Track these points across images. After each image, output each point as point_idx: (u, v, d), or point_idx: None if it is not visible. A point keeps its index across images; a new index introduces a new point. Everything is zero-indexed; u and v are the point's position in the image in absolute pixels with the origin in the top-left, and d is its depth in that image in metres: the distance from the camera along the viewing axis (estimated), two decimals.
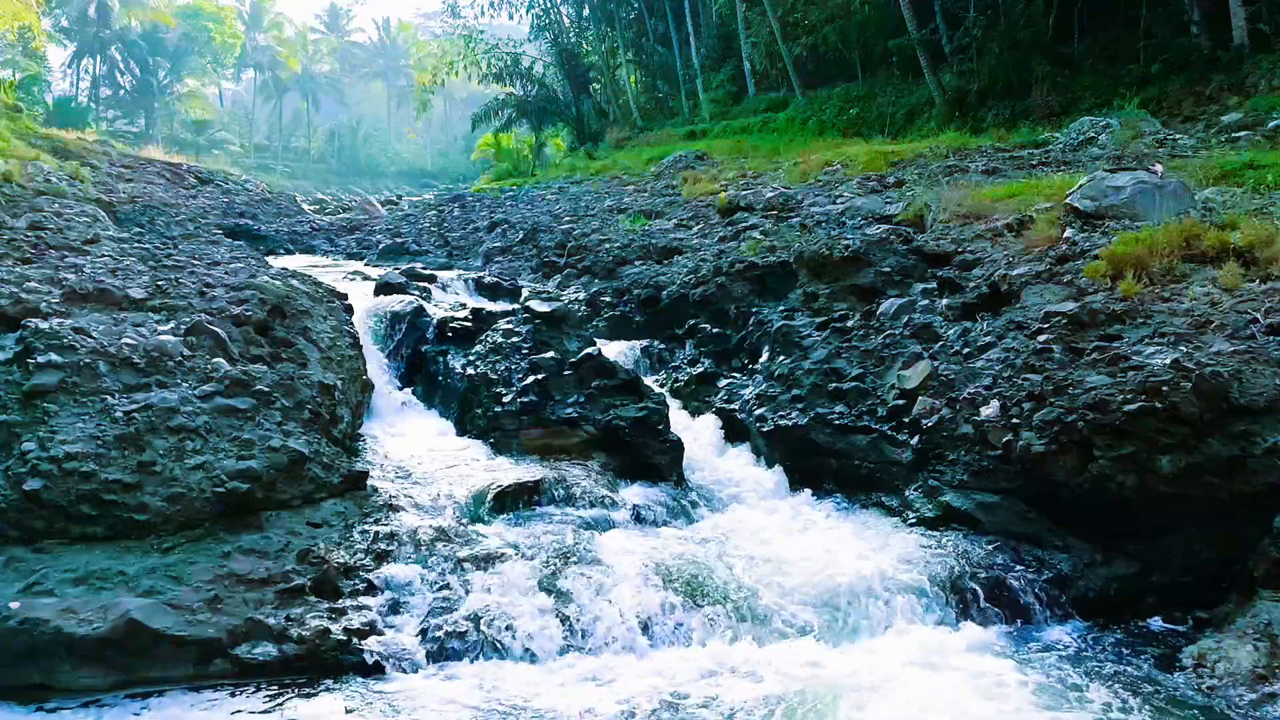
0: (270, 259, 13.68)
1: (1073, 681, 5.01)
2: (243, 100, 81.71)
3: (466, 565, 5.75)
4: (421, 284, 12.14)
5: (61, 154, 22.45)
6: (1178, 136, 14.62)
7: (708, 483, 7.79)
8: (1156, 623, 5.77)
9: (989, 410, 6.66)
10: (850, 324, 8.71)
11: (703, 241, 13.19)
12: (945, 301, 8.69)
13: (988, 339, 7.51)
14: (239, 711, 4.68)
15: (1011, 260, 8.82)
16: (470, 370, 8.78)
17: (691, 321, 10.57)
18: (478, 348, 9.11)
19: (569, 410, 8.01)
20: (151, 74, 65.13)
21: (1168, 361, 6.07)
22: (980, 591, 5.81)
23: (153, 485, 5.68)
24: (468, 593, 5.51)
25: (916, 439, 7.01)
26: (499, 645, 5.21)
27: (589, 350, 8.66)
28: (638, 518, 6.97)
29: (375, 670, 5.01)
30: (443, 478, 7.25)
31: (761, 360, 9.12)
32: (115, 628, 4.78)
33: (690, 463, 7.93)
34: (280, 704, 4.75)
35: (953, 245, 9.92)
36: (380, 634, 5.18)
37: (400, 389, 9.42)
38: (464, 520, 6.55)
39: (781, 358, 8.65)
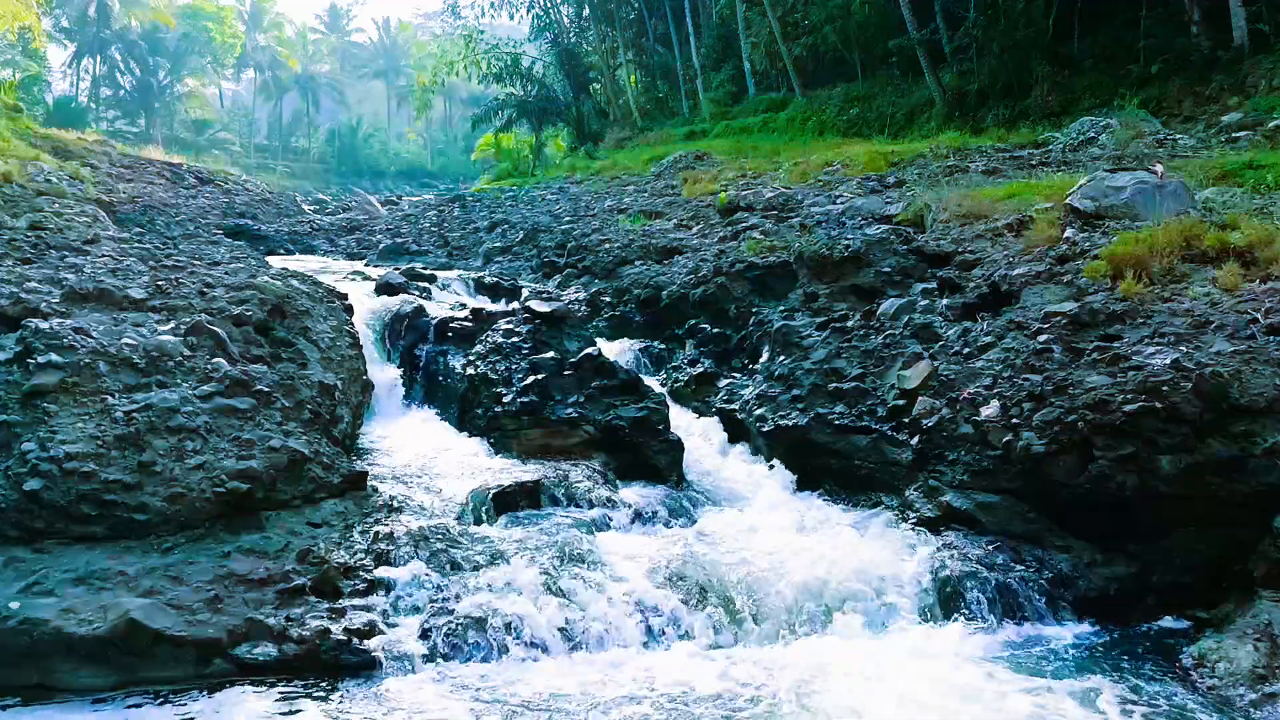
0: (270, 259, 13.67)
1: (1072, 682, 5.00)
2: (243, 100, 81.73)
3: (466, 565, 5.75)
4: (421, 284, 12.14)
5: (62, 154, 22.44)
6: (1178, 136, 14.63)
7: (708, 483, 7.79)
8: (1157, 623, 5.77)
9: (989, 410, 6.66)
10: (850, 324, 8.71)
11: (703, 241, 13.19)
12: (945, 301, 8.69)
13: (988, 339, 7.51)
14: (239, 712, 4.67)
15: (1011, 260, 8.82)
16: (470, 370, 8.78)
17: (691, 321, 10.58)
18: (478, 348, 9.11)
19: (569, 410, 8.01)
20: (151, 74, 65.18)
21: (1168, 361, 6.07)
22: (980, 591, 5.80)
23: (153, 485, 5.68)
24: (468, 593, 5.50)
25: (916, 439, 7.01)
26: (499, 645, 5.20)
27: (589, 350, 8.66)
28: (637, 518, 6.97)
29: (375, 670, 5.00)
30: (443, 478, 7.25)
31: (761, 360, 9.12)
32: (115, 628, 4.78)
33: (690, 463, 7.93)
34: (280, 704, 4.74)
35: (953, 245, 9.92)
36: (380, 634, 5.17)
37: (400, 389, 9.42)
38: (464, 520, 6.55)
39: (781, 358, 8.65)
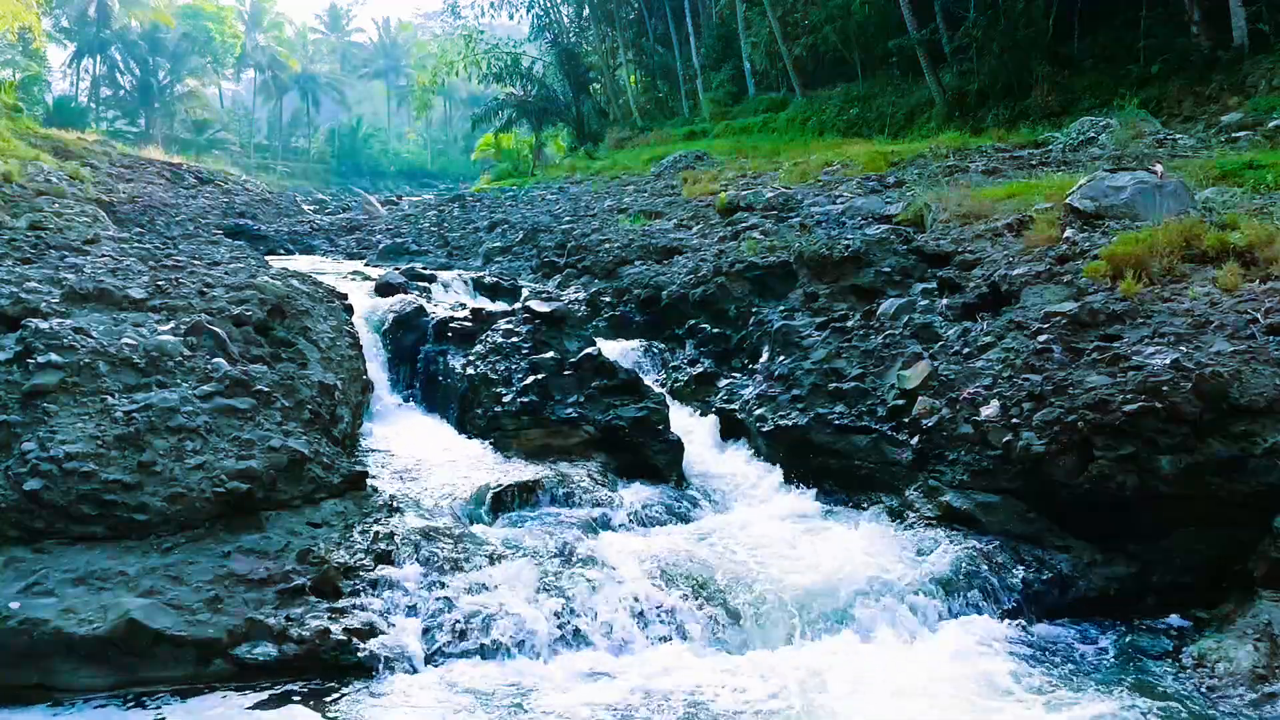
0: (270, 259, 13.67)
1: (1072, 682, 5.01)
2: (243, 100, 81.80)
3: (466, 565, 5.75)
4: (421, 284, 12.14)
5: (61, 154, 22.49)
6: (1178, 136, 14.64)
7: (707, 483, 7.79)
8: (1156, 623, 5.77)
9: (989, 410, 6.66)
10: (850, 324, 8.71)
11: (703, 241, 13.19)
12: (945, 301, 8.69)
13: (988, 339, 7.51)
14: (239, 712, 4.67)
15: (1011, 260, 8.82)
16: (470, 370, 8.78)
17: (691, 321, 10.57)
18: (478, 348, 9.11)
19: (569, 410, 8.01)
20: (151, 74, 65.22)
21: (1168, 361, 6.08)
22: (979, 592, 5.81)
23: (153, 485, 5.67)
24: (467, 593, 5.50)
25: (916, 439, 7.01)
26: (499, 645, 5.20)
27: (589, 350, 8.66)
28: (637, 518, 6.97)
29: (375, 670, 5.00)
30: (442, 478, 7.24)
31: (761, 360, 9.12)
32: (115, 628, 4.78)
33: (690, 463, 7.93)
34: (280, 704, 4.74)
35: (953, 245, 9.92)
36: (380, 634, 5.17)
37: (400, 389, 9.42)
38: (464, 520, 6.55)
39: (781, 358, 8.65)
